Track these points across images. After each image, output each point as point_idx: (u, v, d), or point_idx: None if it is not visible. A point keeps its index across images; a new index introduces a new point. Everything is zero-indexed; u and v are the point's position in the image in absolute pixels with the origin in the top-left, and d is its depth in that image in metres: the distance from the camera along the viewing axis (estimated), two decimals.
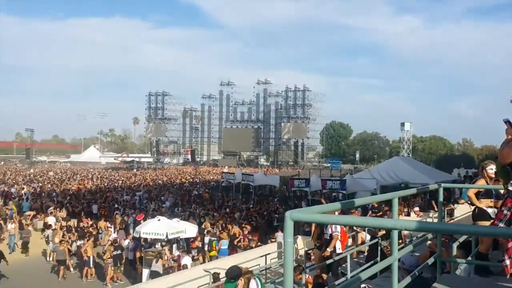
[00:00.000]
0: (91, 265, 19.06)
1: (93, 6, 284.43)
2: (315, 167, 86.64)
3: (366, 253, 11.06)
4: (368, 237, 12.82)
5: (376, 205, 18.62)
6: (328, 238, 10.19)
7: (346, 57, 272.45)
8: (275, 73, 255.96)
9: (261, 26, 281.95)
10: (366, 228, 13.24)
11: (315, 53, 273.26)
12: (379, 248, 9.90)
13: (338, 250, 10.44)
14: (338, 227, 10.39)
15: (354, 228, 14.33)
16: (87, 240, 19.85)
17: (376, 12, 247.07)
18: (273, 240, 18.98)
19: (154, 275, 14.97)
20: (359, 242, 12.79)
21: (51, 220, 25.41)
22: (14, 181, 49.18)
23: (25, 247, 22.45)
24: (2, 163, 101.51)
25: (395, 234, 3.49)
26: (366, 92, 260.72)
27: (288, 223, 2.21)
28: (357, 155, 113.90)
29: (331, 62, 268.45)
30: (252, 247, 17.57)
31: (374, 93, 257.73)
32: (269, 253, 14.74)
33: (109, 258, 18.43)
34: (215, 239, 18.73)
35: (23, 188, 40.47)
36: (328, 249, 9.92)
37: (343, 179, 32.86)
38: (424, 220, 18.39)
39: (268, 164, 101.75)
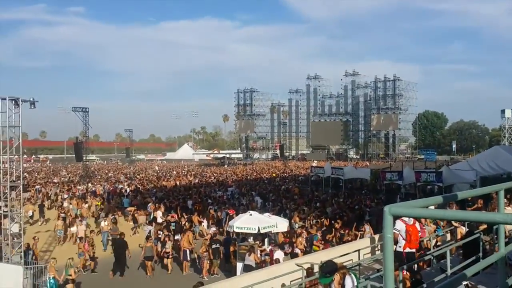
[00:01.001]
0: (188, 258, 19.85)
1: (183, 9, 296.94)
2: (408, 159, 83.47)
3: (462, 250, 10.49)
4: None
5: (470, 198, 17.58)
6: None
7: (438, 43, 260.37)
8: (363, 64, 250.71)
9: (347, 17, 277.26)
10: (466, 223, 12.59)
11: (406, 41, 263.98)
12: (481, 243, 9.34)
13: (399, 249, 10.28)
14: (398, 225, 10.17)
15: (452, 222, 13.68)
16: (184, 234, 20.69)
17: None
18: (361, 232, 18.65)
19: (247, 268, 15.28)
20: (459, 237, 12.13)
21: (158, 215, 26.69)
22: (116, 179, 52.56)
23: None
24: (105, 162, 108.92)
25: (501, 228, 3.28)
26: (461, 79, 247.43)
27: (388, 218, 2.16)
28: (454, 146, 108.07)
29: (422, 49, 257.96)
30: (344, 242, 17.33)
31: (470, 80, 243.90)
32: (361, 248, 14.46)
33: (205, 251, 19.08)
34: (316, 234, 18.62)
35: (124, 185, 43.18)
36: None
37: (439, 171, 31.29)
38: None
39: (358, 157, 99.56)
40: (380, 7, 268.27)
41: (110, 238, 23.39)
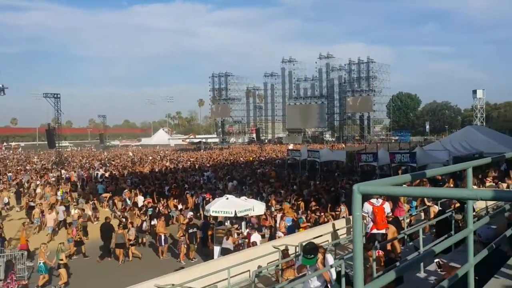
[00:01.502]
0: (163, 244, 19.81)
1: None
2: (383, 141, 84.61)
3: (434, 228, 10.72)
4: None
5: (440, 178, 17.95)
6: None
7: (411, 25, 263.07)
8: (337, 47, 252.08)
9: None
10: (439, 202, 12.85)
11: (378, 23, 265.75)
12: (453, 221, 9.55)
13: (368, 230, 10.59)
14: (365, 207, 10.41)
15: (426, 202, 13.95)
16: (159, 220, 20.63)
17: None
18: (337, 213, 18.90)
19: (225, 252, 15.34)
20: (432, 216, 12.38)
21: (140, 200, 26.62)
22: (90, 165, 51.89)
23: (84, 231, 22.39)
24: (79, 148, 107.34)
25: (470, 205, 3.33)
26: (433, 60, 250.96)
27: (356, 196, 2.15)
28: (427, 126, 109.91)
29: (395, 31, 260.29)
30: (320, 223, 17.51)
31: (443, 61, 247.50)
32: (337, 229, 14.66)
33: (181, 236, 19.08)
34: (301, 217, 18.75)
35: (99, 171, 42.66)
36: None
37: (412, 152, 31.83)
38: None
39: (334, 139, 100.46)
40: None
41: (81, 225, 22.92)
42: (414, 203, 15.67)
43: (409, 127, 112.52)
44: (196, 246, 19.39)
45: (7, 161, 64.34)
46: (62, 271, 16.30)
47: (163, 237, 19.79)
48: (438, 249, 2.90)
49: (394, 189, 2.19)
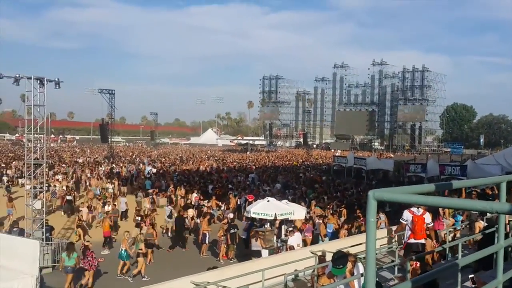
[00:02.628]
0: (207, 242, 20.07)
1: None
2: (434, 152, 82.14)
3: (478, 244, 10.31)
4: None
5: (489, 193, 17.16)
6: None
7: (470, 34, 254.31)
8: (392, 54, 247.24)
9: (377, 4, 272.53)
10: (485, 217, 12.37)
11: (436, 31, 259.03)
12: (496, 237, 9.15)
13: (406, 240, 10.39)
14: (405, 214, 10.17)
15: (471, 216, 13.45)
16: (203, 218, 20.94)
17: None
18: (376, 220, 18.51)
19: (256, 254, 15.39)
20: (477, 231, 11.91)
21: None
22: (140, 161, 53.29)
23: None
24: (130, 144, 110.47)
25: (501, 219, 3.21)
26: (492, 71, 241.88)
27: (371, 202, 2.13)
28: (482, 140, 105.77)
29: (454, 40, 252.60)
30: (362, 232, 17.26)
31: (501, 73, 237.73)
32: (378, 238, 14.37)
33: (222, 235, 19.24)
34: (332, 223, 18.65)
35: (147, 167, 43.72)
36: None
37: (463, 165, 30.78)
38: None
39: (383, 148, 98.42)
40: None
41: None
42: (460, 217, 15.12)
43: (462, 140, 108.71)
44: (235, 247, 19.52)
45: (62, 152, 67.05)
46: (140, 260, 17.03)
47: (207, 235, 20.07)
48: (462, 263, 2.81)
49: (409, 197, 2.15)
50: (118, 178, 35.52)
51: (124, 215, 25.93)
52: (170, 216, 23.38)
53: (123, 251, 16.79)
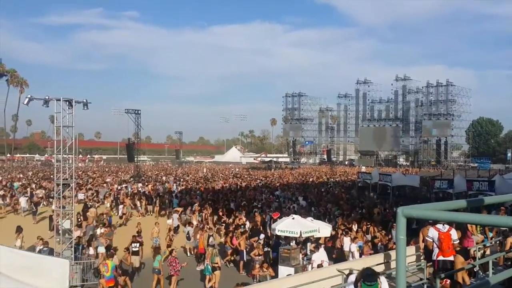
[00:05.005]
0: (244, 259, 20.01)
1: (233, 13, 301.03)
2: (461, 167, 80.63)
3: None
4: None
5: None
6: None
7: (494, 48, 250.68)
8: (415, 69, 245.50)
9: (399, 20, 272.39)
10: None
11: (460, 45, 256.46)
12: None
13: (434, 257, 10.23)
14: (431, 232, 10.06)
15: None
16: (241, 234, 21.03)
17: None
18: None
19: (288, 272, 15.30)
20: (507, 247, 11.66)
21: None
22: (165, 180, 53.73)
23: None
24: (155, 163, 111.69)
25: None
26: None
27: (401, 220, 2.17)
28: (509, 154, 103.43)
29: (478, 54, 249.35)
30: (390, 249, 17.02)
31: None
32: (409, 255, 14.15)
33: (258, 255, 18.88)
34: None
35: (173, 186, 44.07)
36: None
37: (491, 180, 30.09)
38: None
39: (408, 164, 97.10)
40: (433, 10, 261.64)
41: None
42: (490, 234, 14.79)
43: (489, 154, 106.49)
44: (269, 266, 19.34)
45: (89, 172, 68.10)
46: (217, 273, 17.35)
47: (245, 252, 20.07)
48: (494, 280, 2.80)
49: (439, 213, 2.18)
50: (146, 197, 35.88)
51: (176, 230, 25.95)
52: (188, 238, 23.31)
53: (207, 265, 17.42)
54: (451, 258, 9.95)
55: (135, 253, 19.68)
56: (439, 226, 10.07)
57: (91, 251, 19.49)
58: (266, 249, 19.07)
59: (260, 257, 18.75)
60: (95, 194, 37.61)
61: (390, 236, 19.09)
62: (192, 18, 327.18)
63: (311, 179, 56.09)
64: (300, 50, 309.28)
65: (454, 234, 10.31)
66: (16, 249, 14.60)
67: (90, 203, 31.91)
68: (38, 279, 10.69)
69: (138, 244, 19.95)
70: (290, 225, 17.23)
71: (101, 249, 19.63)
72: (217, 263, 17.45)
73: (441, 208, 2.33)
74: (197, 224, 24.99)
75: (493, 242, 14.16)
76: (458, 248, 10.29)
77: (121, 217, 30.27)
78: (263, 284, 12.29)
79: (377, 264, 11.77)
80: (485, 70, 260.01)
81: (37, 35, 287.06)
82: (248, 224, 25.53)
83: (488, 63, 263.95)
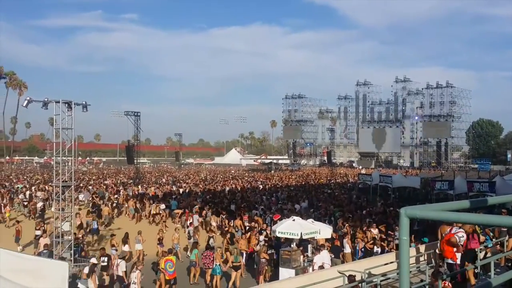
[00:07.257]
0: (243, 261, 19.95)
1: (233, 15, 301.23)
2: (461, 169, 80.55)
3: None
4: None
5: None
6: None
7: (494, 49, 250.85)
8: (415, 71, 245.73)
9: (399, 22, 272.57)
10: None
11: (460, 46, 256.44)
12: None
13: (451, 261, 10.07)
14: (460, 233, 9.90)
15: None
16: (245, 237, 21.00)
17: None
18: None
19: (289, 274, 15.23)
20: (509, 248, 11.61)
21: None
22: (165, 182, 53.66)
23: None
24: (155, 165, 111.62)
25: None
26: None
27: (404, 220, 2.13)
28: (509, 155, 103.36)
29: (478, 55, 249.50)
30: (390, 250, 16.99)
31: None
32: (411, 256, 14.10)
33: (264, 257, 18.64)
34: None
35: (173, 188, 44.02)
36: None
37: (492, 181, 30.06)
38: None
39: (408, 165, 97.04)
40: (433, 12, 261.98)
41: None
42: (491, 234, 14.75)
43: (489, 156, 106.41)
44: (272, 267, 19.23)
45: (88, 175, 68.03)
46: (239, 272, 17.78)
47: (244, 254, 20.04)
48: (495, 282, 2.76)
49: (441, 214, 2.14)
50: (148, 199, 35.88)
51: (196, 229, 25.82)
52: (189, 237, 23.31)
53: (217, 266, 17.54)
54: (450, 260, 9.90)
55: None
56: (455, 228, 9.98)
57: (127, 248, 20.46)
58: (270, 251, 18.91)
59: (264, 259, 18.60)
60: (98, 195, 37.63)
61: (392, 237, 19.01)
62: (192, 20, 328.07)
63: (311, 181, 56.01)
64: (299, 52, 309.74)
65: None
66: (15, 252, 14.57)
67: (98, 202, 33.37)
68: (37, 282, 10.64)
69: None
70: (290, 227, 17.17)
71: (139, 246, 21.25)
72: (239, 262, 17.79)
73: (444, 209, 2.29)
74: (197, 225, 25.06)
75: (494, 243, 14.13)
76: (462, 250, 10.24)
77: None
78: (263, 285, 12.25)
79: (379, 266, 11.75)
80: (485, 71, 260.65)
81: (36, 37, 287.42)
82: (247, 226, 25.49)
83: (488, 65, 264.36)
